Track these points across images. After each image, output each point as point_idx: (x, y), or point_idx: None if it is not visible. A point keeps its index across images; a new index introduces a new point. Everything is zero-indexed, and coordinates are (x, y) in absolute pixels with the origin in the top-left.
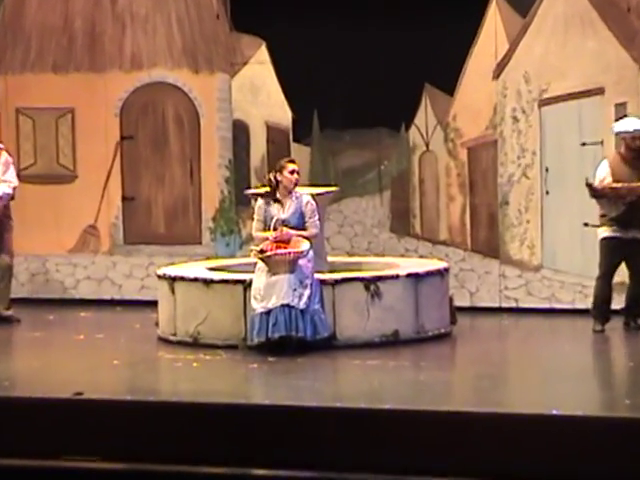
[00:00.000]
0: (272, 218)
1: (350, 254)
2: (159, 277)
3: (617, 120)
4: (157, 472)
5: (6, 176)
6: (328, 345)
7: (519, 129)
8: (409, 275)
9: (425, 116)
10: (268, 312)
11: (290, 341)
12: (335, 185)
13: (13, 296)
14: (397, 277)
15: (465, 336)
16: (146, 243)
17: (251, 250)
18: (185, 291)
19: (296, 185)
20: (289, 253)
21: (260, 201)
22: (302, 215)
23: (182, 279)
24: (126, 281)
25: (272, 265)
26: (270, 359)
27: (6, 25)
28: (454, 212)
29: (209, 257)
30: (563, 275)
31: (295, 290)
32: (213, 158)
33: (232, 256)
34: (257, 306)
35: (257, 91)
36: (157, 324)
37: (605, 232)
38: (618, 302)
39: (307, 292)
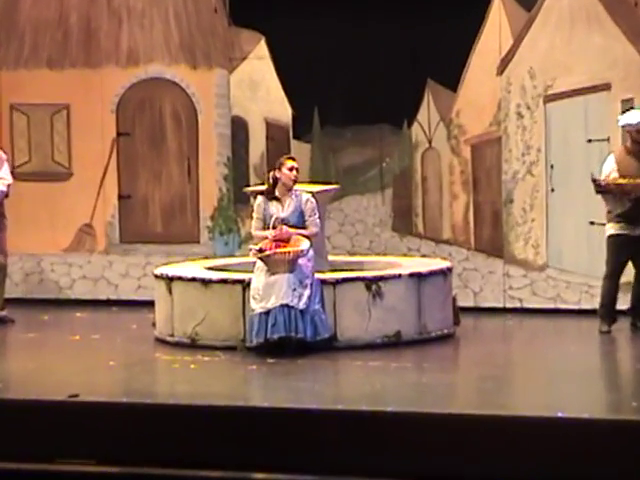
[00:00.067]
0: (271, 216)
1: (351, 253)
2: (156, 277)
3: (623, 113)
4: (154, 476)
5: (0, 174)
6: (329, 346)
7: (524, 125)
8: (411, 275)
9: (428, 112)
10: (267, 312)
11: (289, 342)
12: (336, 183)
13: (7, 296)
14: (399, 277)
15: (468, 337)
16: (143, 242)
17: (250, 249)
18: (183, 291)
19: (295, 182)
20: (288, 252)
21: (259, 199)
22: (302, 213)
23: (180, 279)
24: (122, 281)
25: (271, 264)
26: (269, 360)
27: (0, 20)
28: (457, 210)
29: (207, 256)
30: (569, 275)
31: (295, 290)
32: (211, 155)
33: (231, 255)
34: (256, 306)
35: (256, 87)
36: (154, 325)
37: (612, 229)
38: (623, 302)
39: (307, 292)
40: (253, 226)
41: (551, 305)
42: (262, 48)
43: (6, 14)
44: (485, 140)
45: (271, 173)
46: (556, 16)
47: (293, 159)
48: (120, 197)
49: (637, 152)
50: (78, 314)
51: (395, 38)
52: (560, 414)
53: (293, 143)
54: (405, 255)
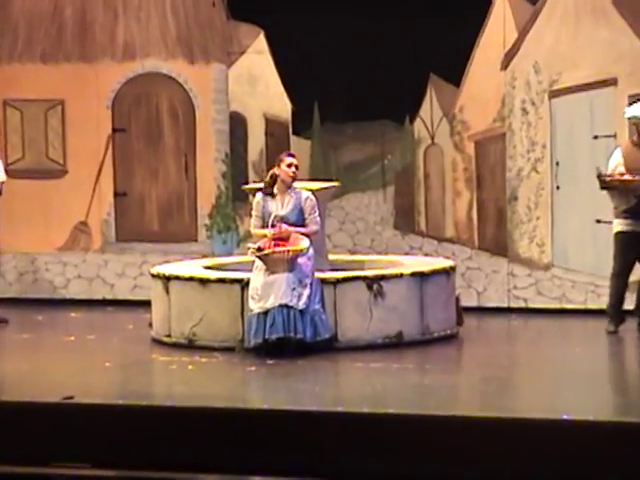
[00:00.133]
0: (270, 214)
1: (352, 252)
2: (153, 276)
3: (630, 105)
4: (151, 479)
5: None
6: (329, 347)
7: (528, 121)
8: (414, 274)
9: (430, 108)
10: (266, 312)
11: (288, 343)
12: (336, 180)
13: (0, 296)
14: (401, 276)
15: (472, 338)
16: (139, 241)
17: (248, 248)
18: (180, 291)
19: (294, 179)
20: (288, 251)
21: (258, 196)
22: (301, 211)
23: (177, 278)
24: (118, 280)
25: (270, 263)
26: (269, 362)
27: None
28: (461, 208)
29: (205, 255)
30: (574, 274)
31: (294, 290)
32: (209, 152)
33: (229, 254)
34: (254, 306)
35: (255, 82)
36: (151, 325)
37: (619, 226)
38: (630, 301)
39: (307, 292)
40: (252, 224)
41: (556, 305)
42: (261, 42)
43: None
44: (489, 136)
45: (271, 171)
46: (561, 9)
47: (292, 156)
48: (116, 194)
49: None
50: (73, 314)
51: (397, 32)
52: (565, 416)
53: (293, 139)
54: (407, 254)
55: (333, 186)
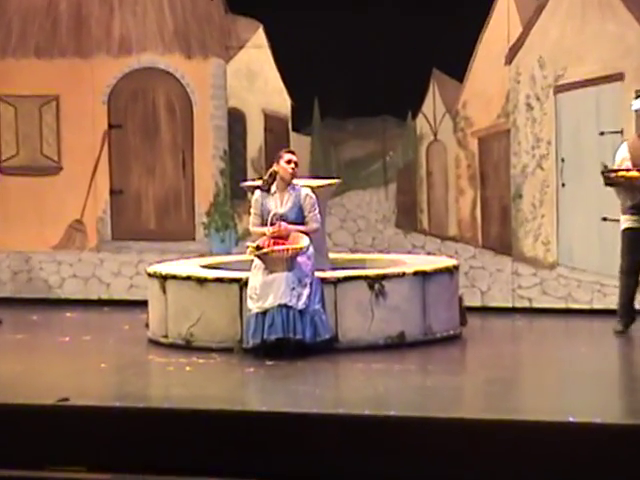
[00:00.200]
0: (269, 212)
1: (353, 251)
2: (149, 275)
3: (637, 97)
4: None
5: None
6: (329, 348)
7: (533, 117)
8: (416, 273)
9: (433, 104)
10: (264, 312)
11: (287, 344)
12: (337, 177)
13: None
14: (403, 275)
15: (476, 338)
16: (136, 239)
17: (247, 246)
18: (177, 290)
19: (293, 176)
20: (287, 250)
21: (257, 194)
22: (301, 209)
23: (174, 277)
24: (114, 280)
25: (269, 262)
26: (268, 363)
27: None
28: (464, 206)
29: (203, 254)
30: (580, 273)
31: (293, 289)
32: (207, 148)
33: (227, 253)
34: (253, 306)
35: (254, 77)
36: (147, 325)
37: (626, 222)
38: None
39: (306, 291)
40: (250, 222)
41: (562, 305)
42: (260, 36)
43: None
44: (493, 132)
45: (271, 168)
46: (567, 3)
47: (292, 152)
48: (112, 192)
49: None
50: (68, 314)
51: (398, 25)
52: (571, 419)
53: (292, 136)
54: (409, 253)
55: (334, 183)
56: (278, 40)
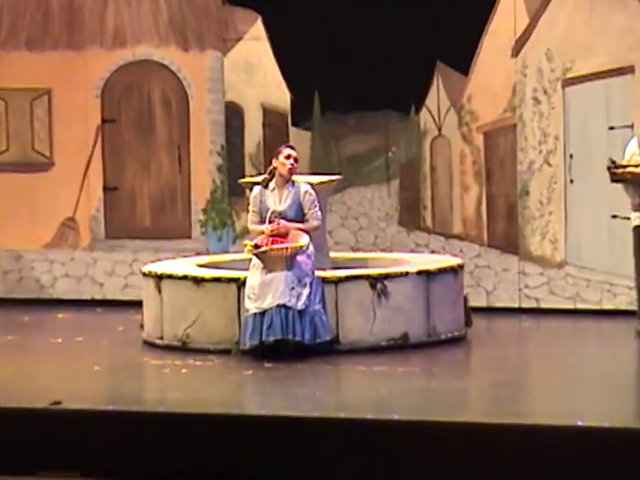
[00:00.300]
0: (268, 210)
1: (354, 249)
2: (144, 275)
3: None
4: None
5: None
6: (330, 349)
7: (540, 112)
8: (419, 272)
9: (437, 97)
10: (263, 313)
11: (287, 345)
12: (338, 173)
13: None
14: (406, 275)
15: (481, 339)
16: (130, 237)
17: (245, 245)
18: (173, 290)
19: (292, 172)
20: (286, 248)
21: (255, 190)
22: (300, 206)
23: (169, 277)
24: (108, 279)
25: (268, 261)
26: (266, 365)
27: None
28: (469, 203)
29: (199, 253)
30: (589, 272)
31: (293, 289)
32: (204, 144)
33: (225, 252)
34: (251, 306)
35: (252, 70)
36: (142, 326)
37: (637, 220)
38: None
39: (306, 291)
40: (249, 220)
41: (570, 305)
42: (258, 28)
43: None
44: (499, 127)
45: (271, 165)
46: None
47: (292, 147)
48: (105, 189)
49: None
50: (60, 315)
51: (402, 17)
52: (580, 422)
53: (292, 130)
54: (413, 251)
55: (334, 180)
56: (277, 32)
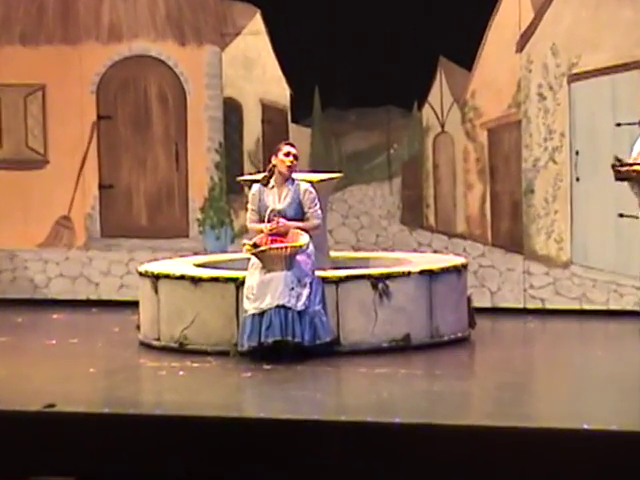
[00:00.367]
0: (267, 208)
1: (356, 249)
2: (140, 274)
3: None
4: None
5: None
6: (331, 351)
7: (546, 108)
8: (422, 272)
9: (440, 93)
10: (262, 314)
11: (286, 347)
12: (339, 171)
13: None
14: (408, 275)
15: (485, 341)
16: (126, 236)
17: (244, 244)
18: (170, 290)
19: (291, 170)
20: (286, 248)
21: (254, 188)
22: (300, 205)
23: (166, 277)
24: (104, 279)
25: (267, 261)
26: (266, 367)
27: None
28: (473, 201)
29: (197, 252)
30: (595, 272)
31: (292, 289)
32: (201, 141)
33: (223, 251)
34: (249, 307)
35: (251, 65)
36: (138, 327)
37: None
38: None
39: (306, 292)
40: (247, 218)
41: (576, 306)
42: (258, 22)
43: None
44: (503, 124)
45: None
46: None
47: (291, 145)
48: (101, 187)
49: None
50: (55, 316)
51: (403, 10)
52: (586, 426)
53: (291, 127)
54: (415, 251)
55: (335, 177)
56: (277, 26)
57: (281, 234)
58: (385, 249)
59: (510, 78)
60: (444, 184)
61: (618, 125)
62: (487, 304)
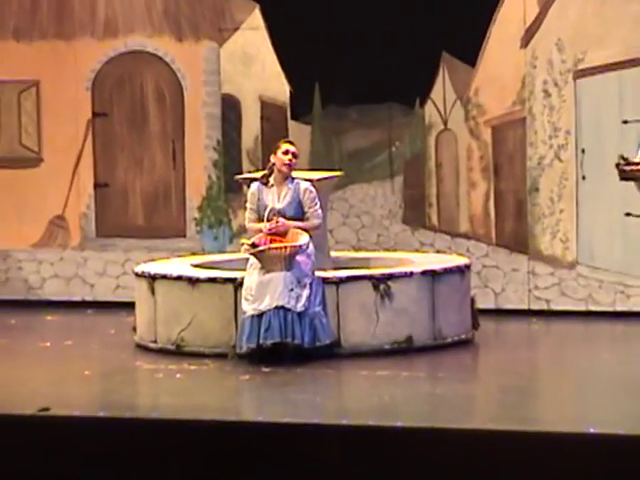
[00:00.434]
0: (266, 207)
1: (357, 249)
2: (137, 275)
3: None
4: None
5: None
6: (331, 353)
7: (551, 104)
8: (424, 273)
9: (443, 90)
10: (260, 315)
11: (285, 349)
12: (339, 169)
13: None
14: (411, 275)
15: (489, 343)
16: (122, 236)
17: (242, 244)
18: (167, 291)
19: (290, 168)
20: (285, 247)
21: (253, 187)
22: (300, 204)
23: (163, 278)
24: (99, 280)
25: (266, 261)
26: (264, 369)
27: None
28: (476, 200)
29: (194, 252)
30: (601, 273)
31: (292, 290)
32: (199, 138)
33: (221, 251)
34: (248, 308)
35: (250, 61)
36: (135, 329)
37: None
38: None
39: (306, 292)
40: (246, 218)
41: (582, 307)
42: (256, 17)
43: None
44: (507, 121)
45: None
46: None
47: (290, 143)
48: (96, 186)
49: None
50: (49, 317)
51: (405, 5)
52: (592, 429)
53: (291, 124)
54: (417, 251)
55: (336, 176)
56: (276, 21)
57: (280, 234)
58: (387, 249)
59: (514, 74)
60: (447, 183)
61: (625, 122)
62: (491, 305)
